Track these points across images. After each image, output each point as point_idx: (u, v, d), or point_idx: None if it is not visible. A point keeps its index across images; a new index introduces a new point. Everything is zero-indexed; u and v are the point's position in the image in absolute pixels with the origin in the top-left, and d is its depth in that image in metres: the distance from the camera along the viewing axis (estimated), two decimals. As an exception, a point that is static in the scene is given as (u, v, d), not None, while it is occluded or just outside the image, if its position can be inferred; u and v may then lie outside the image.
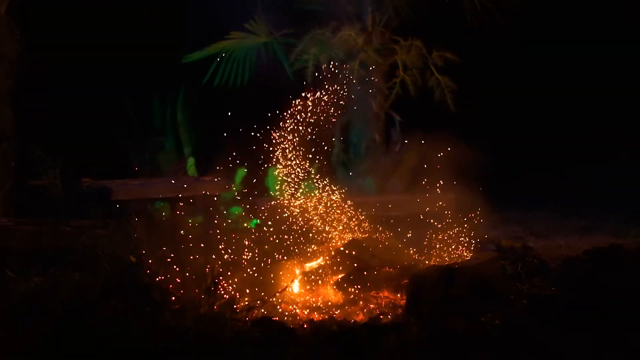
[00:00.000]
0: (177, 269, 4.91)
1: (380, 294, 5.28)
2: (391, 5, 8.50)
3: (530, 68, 9.77)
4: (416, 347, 4.10)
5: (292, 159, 6.29)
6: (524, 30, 8.35)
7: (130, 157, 8.50)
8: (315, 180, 6.40)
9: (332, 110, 6.48)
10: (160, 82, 8.57)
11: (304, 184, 6.38)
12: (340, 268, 5.61)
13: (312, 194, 6.31)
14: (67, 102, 8.10)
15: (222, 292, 4.89)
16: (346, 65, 8.19)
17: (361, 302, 5.17)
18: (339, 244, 5.93)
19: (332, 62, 7.77)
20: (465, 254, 6.02)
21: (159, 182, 7.64)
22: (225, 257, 5.27)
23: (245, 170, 7.62)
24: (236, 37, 8.70)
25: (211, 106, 8.23)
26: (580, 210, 8.64)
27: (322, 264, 5.70)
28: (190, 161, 8.67)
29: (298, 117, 6.30)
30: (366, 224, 6.26)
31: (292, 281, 5.38)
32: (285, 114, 6.29)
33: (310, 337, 4.24)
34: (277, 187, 6.53)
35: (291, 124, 6.28)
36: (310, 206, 6.17)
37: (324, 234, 6.03)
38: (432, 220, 6.26)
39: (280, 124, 6.26)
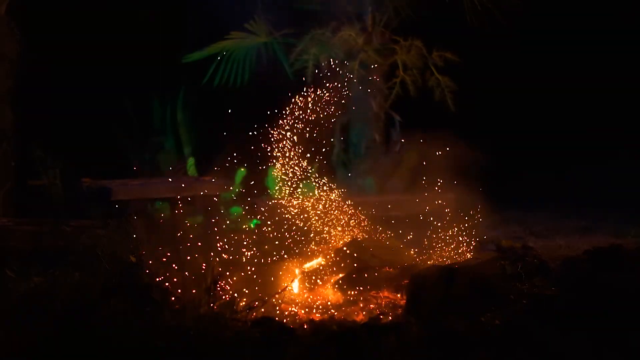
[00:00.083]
0: (177, 269, 4.90)
1: (380, 294, 5.28)
2: (391, 5, 8.50)
3: (530, 68, 9.77)
4: (416, 347, 4.10)
5: (292, 159, 6.29)
6: (524, 30, 8.34)
7: (130, 157, 8.48)
8: (315, 180, 6.40)
9: (332, 110, 6.49)
10: (160, 82, 8.57)
11: (303, 184, 6.38)
12: (341, 268, 5.61)
13: (312, 194, 6.31)
14: (67, 102, 8.10)
15: (222, 292, 4.88)
16: (346, 64, 8.18)
17: (361, 302, 5.17)
18: (339, 244, 5.93)
19: (332, 62, 7.77)
20: (466, 254, 6.02)
21: (159, 182, 7.64)
22: (224, 257, 5.26)
23: (245, 170, 7.61)
24: (236, 37, 8.71)
25: (211, 106, 8.22)
26: (580, 210, 8.63)
27: (322, 264, 5.70)
28: (190, 161, 8.66)
29: (298, 117, 6.30)
30: (366, 224, 6.26)
31: (292, 281, 5.38)
32: (285, 114, 6.29)
33: (310, 337, 4.24)
34: (277, 187, 6.52)
35: (291, 124, 6.28)
36: (310, 206, 6.18)
37: (324, 234, 6.03)
38: (432, 220, 6.26)
39: (280, 124, 6.26)
